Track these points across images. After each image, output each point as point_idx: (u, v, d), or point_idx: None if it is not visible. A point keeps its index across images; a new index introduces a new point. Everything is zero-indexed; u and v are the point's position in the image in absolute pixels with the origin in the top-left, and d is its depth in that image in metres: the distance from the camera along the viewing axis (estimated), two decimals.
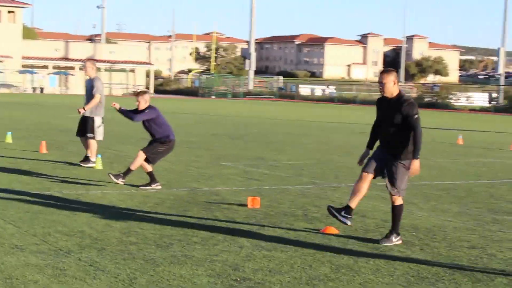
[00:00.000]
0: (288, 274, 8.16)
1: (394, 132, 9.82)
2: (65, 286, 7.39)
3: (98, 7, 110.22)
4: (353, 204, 9.92)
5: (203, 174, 16.52)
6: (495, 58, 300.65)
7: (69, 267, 8.13)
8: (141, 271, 8.06)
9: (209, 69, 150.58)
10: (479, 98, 79.51)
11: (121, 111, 14.08)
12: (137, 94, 14.33)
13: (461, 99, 77.88)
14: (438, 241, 10.26)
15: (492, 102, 76.47)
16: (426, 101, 77.07)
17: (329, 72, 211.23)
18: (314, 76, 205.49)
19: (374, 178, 10.03)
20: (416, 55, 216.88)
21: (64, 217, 11.04)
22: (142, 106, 14.07)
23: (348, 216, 9.87)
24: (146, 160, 14.01)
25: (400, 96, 9.89)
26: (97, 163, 16.82)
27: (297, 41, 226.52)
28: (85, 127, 17.08)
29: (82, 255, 8.72)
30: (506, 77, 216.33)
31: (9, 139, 22.28)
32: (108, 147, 20.62)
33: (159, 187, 14.11)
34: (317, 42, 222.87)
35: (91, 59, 18.13)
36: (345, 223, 9.88)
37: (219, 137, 27.31)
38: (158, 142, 14.13)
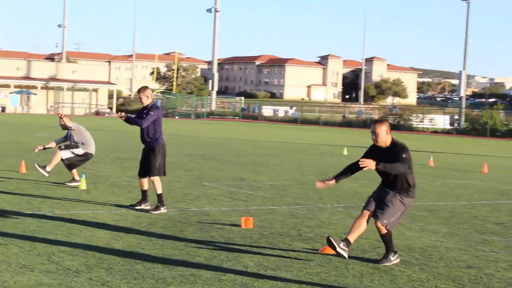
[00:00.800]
0: None
1: (391, 175, 10.03)
2: None
3: (59, 26, 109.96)
4: (351, 239, 10.06)
5: (188, 194, 16.63)
6: (452, 81, 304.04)
7: (82, 287, 8.20)
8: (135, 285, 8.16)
9: (170, 89, 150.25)
10: (441, 121, 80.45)
11: (127, 119, 14.13)
12: (138, 91, 14.25)
13: (423, 121, 78.77)
14: (435, 261, 10.48)
15: (454, 125, 77.35)
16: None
17: (289, 93, 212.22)
18: (274, 97, 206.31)
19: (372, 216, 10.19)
20: (375, 77, 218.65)
21: (63, 236, 11.10)
22: (146, 101, 14.02)
23: (346, 249, 10.00)
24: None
25: (393, 144, 10.12)
26: (81, 183, 16.87)
27: (257, 62, 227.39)
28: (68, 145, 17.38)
29: (91, 274, 8.79)
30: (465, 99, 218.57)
31: None
32: (85, 167, 20.53)
33: (149, 207, 14.18)
34: (277, 63, 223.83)
35: (66, 115, 18.34)
36: (343, 256, 9.97)
37: (194, 158, 27.38)
38: (150, 153, 14.08)
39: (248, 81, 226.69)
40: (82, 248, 10.32)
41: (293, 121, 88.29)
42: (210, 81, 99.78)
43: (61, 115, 17.56)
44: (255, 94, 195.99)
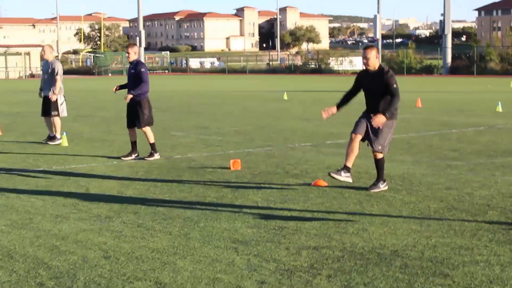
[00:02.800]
0: (315, 221, 8.85)
1: (378, 99, 10.61)
2: (132, 244, 7.88)
3: None
4: (349, 164, 10.62)
5: (164, 144, 16.89)
6: (360, 24, 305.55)
7: (122, 229, 8.60)
8: (188, 228, 8.60)
9: (95, 49, 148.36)
10: (359, 62, 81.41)
11: (134, 96, 14.22)
12: (127, 46, 14.52)
13: (343, 64, 79.80)
14: (417, 186, 11.14)
15: None
16: (311, 67, 78.76)
17: (209, 45, 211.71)
18: (196, 50, 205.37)
19: (362, 140, 10.75)
20: (290, 25, 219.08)
21: (75, 188, 11.40)
22: (133, 57, 14.27)
23: (348, 174, 10.58)
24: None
25: (381, 68, 10.72)
26: (63, 140, 17.05)
27: (177, 18, 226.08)
28: (48, 106, 17.27)
29: (123, 218, 9.17)
30: (373, 40, 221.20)
31: None
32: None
33: (133, 156, 14.47)
34: (196, 18, 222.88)
35: (49, 44, 18.21)
36: (348, 181, 10.59)
37: None
38: (136, 106, 14.26)
39: (169, 36, 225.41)
40: (99, 197, 10.66)
41: (221, 71, 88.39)
42: (138, 38, 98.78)
43: None
44: (177, 48, 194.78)
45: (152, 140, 14.35)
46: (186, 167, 13.33)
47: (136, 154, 14.54)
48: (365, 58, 10.70)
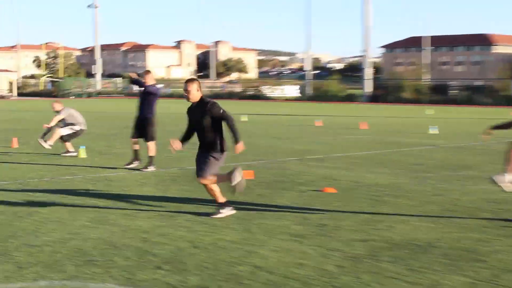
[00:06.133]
0: (348, 220, 9.37)
1: (203, 131, 9.98)
2: (210, 237, 8.29)
3: None
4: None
5: (169, 156, 17.11)
6: (279, 58, 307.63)
7: (190, 225, 8.99)
8: (246, 224, 9.05)
9: (51, 74, 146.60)
10: (290, 90, 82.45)
11: (136, 79, 14.98)
12: (145, 72, 15.05)
13: (275, 92, 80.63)
14: (409, 193, 11.72)
15: (304, 93, 79.33)
16: (249, 94, 79.43)
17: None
18: (139, 77, 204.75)
19: None
20: (222, 57, 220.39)
21: (123, 192, 11.64)
22: (149, 82, 14.81)
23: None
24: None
25: (202, 100, 9.60)
26: (80, 153, 17.19)
27: (123, 48, 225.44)
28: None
29: (184, 217, 9.53)
30: (293, 72, 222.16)
31: None
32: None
33: (154, 168, 14.76)
34: (140, 49, 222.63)
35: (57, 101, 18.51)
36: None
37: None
38: (149, 125, 14.76)
39: (116, 65, 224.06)
40: (149, 200, 10.93)
41: (169, 96, 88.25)
42: (94, 66, 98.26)
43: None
44: (123, 75, 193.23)
45: (153, 154, 14.66)
46: None
47: (138, 162, 14.79)
48: (186, 90, 9.54)
